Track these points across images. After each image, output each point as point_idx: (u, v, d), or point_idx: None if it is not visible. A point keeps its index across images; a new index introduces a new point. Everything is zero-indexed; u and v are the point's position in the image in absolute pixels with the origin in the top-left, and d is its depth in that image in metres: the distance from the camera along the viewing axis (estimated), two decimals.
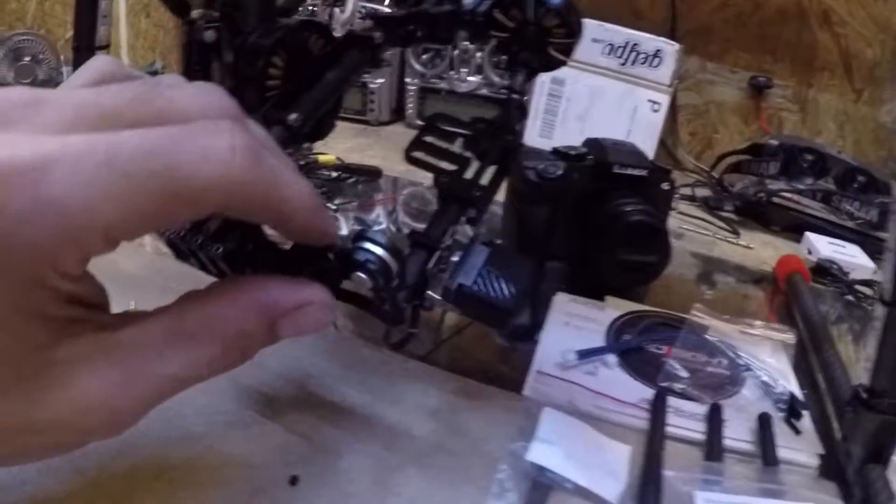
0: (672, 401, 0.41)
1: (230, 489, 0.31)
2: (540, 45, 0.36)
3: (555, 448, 0.34)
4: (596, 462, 0.34)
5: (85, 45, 0.77)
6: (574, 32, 0.35)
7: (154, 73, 1.31)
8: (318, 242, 0.25)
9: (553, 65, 0.36)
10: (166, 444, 0.32)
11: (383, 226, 0.71)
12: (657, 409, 0.40)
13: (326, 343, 0.42)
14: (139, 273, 0.50)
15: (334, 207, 0.72)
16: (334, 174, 0.78)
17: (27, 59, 1.08)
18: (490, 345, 0.47)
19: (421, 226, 0.77)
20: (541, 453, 0.33)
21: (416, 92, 1.04)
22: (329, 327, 0.25)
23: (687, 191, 0.92)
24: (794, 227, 0.82)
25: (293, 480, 0.31)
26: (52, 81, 1.10)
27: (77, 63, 0.78)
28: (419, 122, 1.05)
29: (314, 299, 0.24)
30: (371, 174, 0.78)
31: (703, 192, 0.93)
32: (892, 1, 0.95)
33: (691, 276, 0.67)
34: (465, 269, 0.34)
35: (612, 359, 0.44)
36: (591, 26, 0.88)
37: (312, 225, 0.24)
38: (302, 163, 0.75)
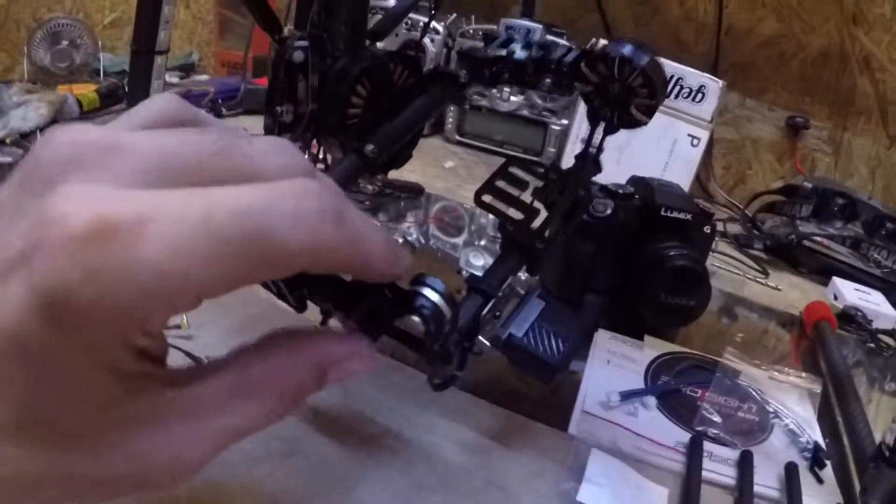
0: (705, 444, 0.42)
1: None
2: (622, 102, 0.35)
3: (603, 490, 0.35)
4: None
5: (144, 48, 0.77)
6: (657, 94, 0.34)
7: (190, 65, 1.33)
8: (389, 280, 0.26)
9: (633, 123, 0.36)
10: (225, 470, 0.32)
11: (414, 237, 0.72)
12: (693, 454, 0.41)
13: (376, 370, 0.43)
14: None
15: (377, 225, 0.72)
16: (376, 189, 0.79)
17: (65, 42, 1.07)
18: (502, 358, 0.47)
19: (452, 240, 0.76)
20: (590, 495, 0.34)
21: (456, 108, 1.04)
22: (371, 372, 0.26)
23: (718, 225, 0.93)
24: (822, 270, 0.83)
25: None
26: (89, 66, 1.10)
27: (135, 66, 0.79)
28: (457, 137, 1.06)
29: (361, 351, 0.25)
30: (413, 191, 0.79)
31: (733, 227, 0.94)
32: None
33: (721, 315, 0.68)
34: (517, 321, 0.34)
35: (650, 400, 0.46)
36: None
37: (388, 273, 0.24)
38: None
